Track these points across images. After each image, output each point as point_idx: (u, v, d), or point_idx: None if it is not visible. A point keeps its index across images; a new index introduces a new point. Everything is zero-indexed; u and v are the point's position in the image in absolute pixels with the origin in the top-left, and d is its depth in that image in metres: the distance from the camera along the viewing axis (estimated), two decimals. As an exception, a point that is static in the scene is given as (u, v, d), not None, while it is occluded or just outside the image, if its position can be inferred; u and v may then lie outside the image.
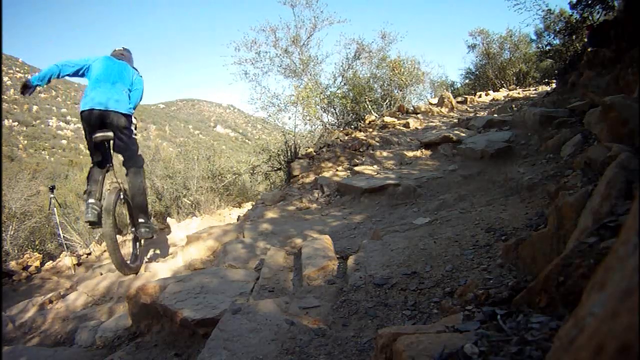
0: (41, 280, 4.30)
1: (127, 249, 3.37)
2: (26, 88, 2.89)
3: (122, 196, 2.94)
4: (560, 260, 0.89)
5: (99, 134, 2.73)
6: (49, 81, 2.89)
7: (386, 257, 1.94)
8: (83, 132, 2.85)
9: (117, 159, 3.17)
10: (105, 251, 4.96)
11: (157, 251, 3.99)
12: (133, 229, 3.09)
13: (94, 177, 2.88)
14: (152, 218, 3.46)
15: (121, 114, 2.83)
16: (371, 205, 3.65)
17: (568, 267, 0.86)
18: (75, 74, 3.01)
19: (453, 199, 3.01)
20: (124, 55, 3.26)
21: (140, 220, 3.06)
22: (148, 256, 3.78)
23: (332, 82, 9.11)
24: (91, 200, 2.78)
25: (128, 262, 3.03)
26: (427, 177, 3.79)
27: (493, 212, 2.29)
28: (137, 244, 3.30)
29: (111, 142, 2.91)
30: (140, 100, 3.18)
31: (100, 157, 2.83)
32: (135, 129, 3.03)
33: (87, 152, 2.93)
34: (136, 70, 3.25)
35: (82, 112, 2.77)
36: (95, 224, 2.83)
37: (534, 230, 1.69)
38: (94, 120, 2.72)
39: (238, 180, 8.41)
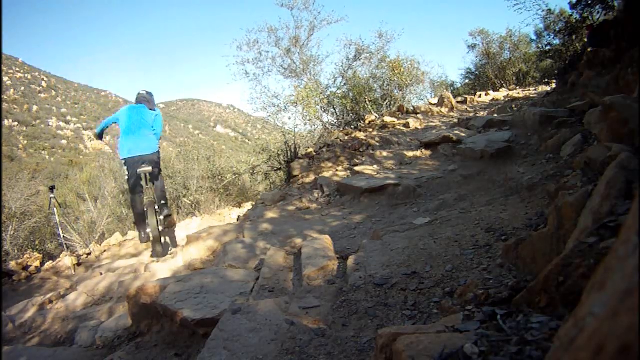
0: (41, 280, 4.30)
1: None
2: (100, 138, 4.17)
3: (154, 205, 3.83)
4: (560, 260, 0.89)
5: (142, 169, 3.68)
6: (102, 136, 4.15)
7: (386, 257, 1.94)
8: (126, 172, 3.83)
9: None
10: (105, 251, 5.01)
11: (168, 240, 4.41)
12: (158, 211, 3.96)
13: (137, 209, 3.86)
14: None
15: (152, 154, 3.79)
16: (371, 205, 3.65)
17: (568, 267, 0.86)
18: (114, 124, 3.99)
19: (453, 199, 3.01)
20: (146, 99, 4.04)
21: (162, 202, 4.01)
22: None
23: (332, 82, 9.13)
24: (142, 235, 3.93)
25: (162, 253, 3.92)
26: (427, 177, 3.79)
27: (493, 212, 2.29)
28: (166, 238, 4.26)
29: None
30: (161, 132, 4.09)
31: (139, 183, 3.80)
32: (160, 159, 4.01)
33: (127, 186, 4.09)
34: (156, 109, 4.01)
35: (124, 159, 3.76)
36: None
37: (534, 230, 1.69)
38: (135, 162, 3.70)
39: (238, 180, 8.41)
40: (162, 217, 3.96)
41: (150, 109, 3.93)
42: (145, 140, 3.77)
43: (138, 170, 3.65)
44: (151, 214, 3.76)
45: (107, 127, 4.03)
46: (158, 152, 3.85)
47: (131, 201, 3.98)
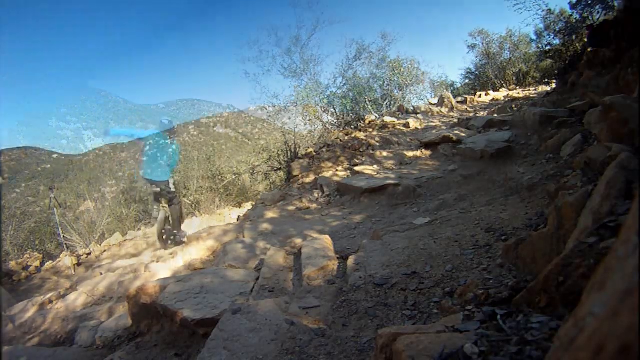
0: (41, 280, 4.30)
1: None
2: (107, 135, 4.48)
3: (167, 214, 4.41)
4: (560, 260, 0.89)
5: (152, 189, 4.35)
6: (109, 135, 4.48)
7: (386, 257, 1.94)
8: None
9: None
10: (105, 251, 5.01)
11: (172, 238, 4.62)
12: (172, 239, 4.49)
13: (153, 212, 4.52)
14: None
15: (161, 182, 4.30)
16: (371, 205, 3.65)
17: (568, 267, 0.86)
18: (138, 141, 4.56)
19: (453, 199, 3.01)
20: (167, 128, 4.44)
21: (175, 231, 4.47)
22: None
23: (332, 82, 9.13)
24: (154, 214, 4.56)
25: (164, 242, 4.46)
26: (427, 177, 3.79)
27: (493, 212, 2.29)
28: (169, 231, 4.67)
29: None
30: (176, 164, 4.61)
31: (154, 197, 4.44)
32: (172, 184, 4.50)
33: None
34: (174, 136, 4.47)
35: (144, 177, 4.40)
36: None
37: (534, 230, 1.69)
38: (148, 183, 4.32)
39: (238, 180, 8.41)
40: (174, 243, 4.48)
41: (169, 138, 4.40)
42: (158, 168, 4.30)
43: (151, 190, 4.40)
44: (165, 239, 4.31)
45: (124, 136, 4.49)
46: (167, 181, 4.37)
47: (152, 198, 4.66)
